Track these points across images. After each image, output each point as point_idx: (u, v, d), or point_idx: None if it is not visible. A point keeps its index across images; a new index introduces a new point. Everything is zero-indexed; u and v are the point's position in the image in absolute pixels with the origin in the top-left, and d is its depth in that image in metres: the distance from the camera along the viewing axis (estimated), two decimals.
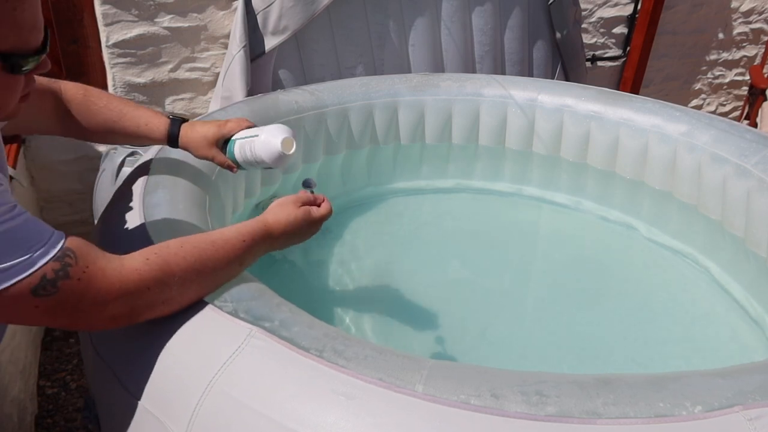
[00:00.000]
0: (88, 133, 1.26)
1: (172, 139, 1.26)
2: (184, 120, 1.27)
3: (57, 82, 1.19)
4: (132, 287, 0.88)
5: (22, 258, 0.78)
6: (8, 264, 0.77)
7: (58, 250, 0.82)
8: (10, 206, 0.78)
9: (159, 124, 1.24)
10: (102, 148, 2.35)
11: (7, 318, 0.83)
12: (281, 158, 1.21)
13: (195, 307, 0.98)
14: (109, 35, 2.17)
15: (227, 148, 1.26)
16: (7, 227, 0.77)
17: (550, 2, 2.55)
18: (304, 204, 1.15)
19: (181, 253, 0.94)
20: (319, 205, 1.17)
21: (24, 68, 0.80)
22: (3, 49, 0.77)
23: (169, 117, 1.25)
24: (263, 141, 1.21)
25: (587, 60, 2.97)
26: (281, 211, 1.12)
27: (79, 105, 1.20)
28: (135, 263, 0.90)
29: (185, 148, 1.28)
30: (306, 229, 1.14)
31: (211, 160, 1.28)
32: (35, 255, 0.79)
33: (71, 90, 1.20)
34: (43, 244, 0.80)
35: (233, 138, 1.26)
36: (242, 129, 1.26)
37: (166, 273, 0.91)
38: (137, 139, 1.26)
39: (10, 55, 0.78)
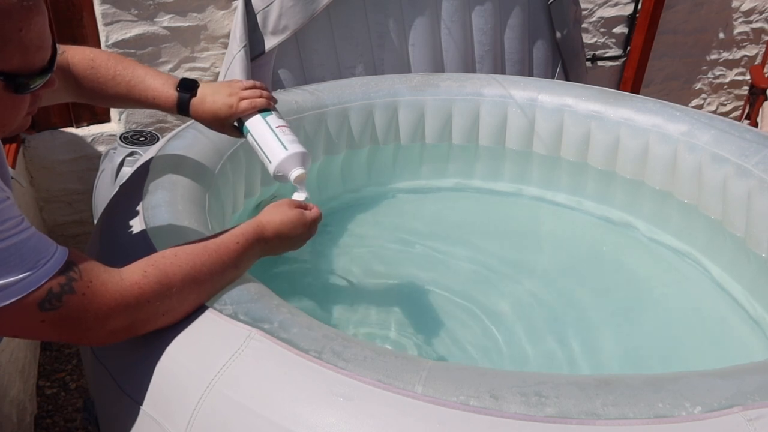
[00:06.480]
0: (97, 102, 1.26)
1: (181, 112, 1.23)
2: (194, 88, 1.22)
3: (63, 52, 1.16)
4: (132, 301, 0.88)
5: (30, 272, 0.78)
6: (17, 278, 0.77)
7: (63, 265, 0.82)
8: (17, 220, 0.79)
9: (167, 98, 1.22)
10: (102, 147, 2.35)
11: (13, 331, 0.84)
12: (287, 182, 1.21)
13: (195, 310, 0.98)
14: (108, 35, 2.17)
15: (242, 130, 1.24)
16: (15, 241, 0.77)
17: (550, 2, 2.55)
18: (298, 207, 1.15)
19: (177, 262, 0.94)
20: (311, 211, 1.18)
21: (30, 88, 0.80)
22: (8, 70, 0.77)
23: (177, 89, 1.22)
24: (276, 167, 1.19)
25: (587, 60, 2.97)
26: (275, 211, 1.12)
27: (87, 79, 1.19)
28: (134, 276, 0.89)
29: (196, 120, 1.26)
30: (300, 230, 1.13)
31: (224, 133, 1.28)
32: (42, 269, 0.80)
33: (79, 63, 1.18)
34: (48, 259, 0.81)
35: (247, 126, 1.22)
36: (256, 109, 1.22)
37: (164, 284, 0.91)
38: (147, 108, 1.26)
39: (16, 75, 0.78)
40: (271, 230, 1.09)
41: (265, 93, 1.25)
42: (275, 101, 1.27)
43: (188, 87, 1.22)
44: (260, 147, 1.21)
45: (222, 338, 0.94)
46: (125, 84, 1.21)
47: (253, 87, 1.24)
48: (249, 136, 1.23)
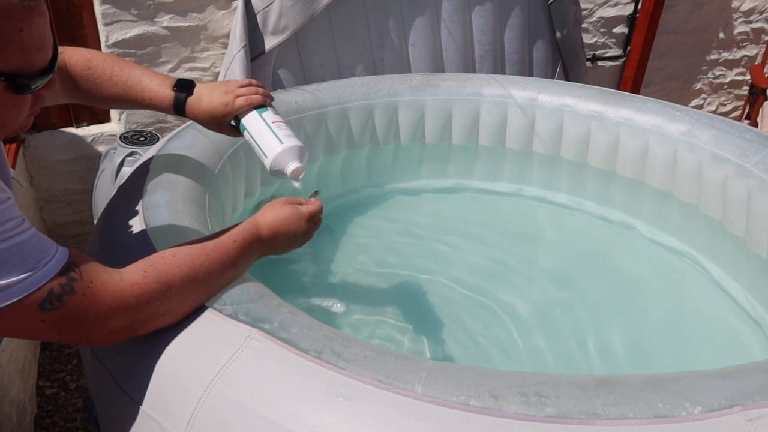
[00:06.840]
0: (94, 103, 1.26)
1: (178, 112, 1.23)
2: (190, 88, 1.23)
3: (61, 53, 1.16)
4: (133, 301, 0.88)
5: (30, 273, 0.78)
6: (18, 278, 0.77)
7: (64, 265, 0.82)
8: (18, 221, 0.79)
9: (164, 98, 1.22)
10: (102, 147, 2.35)
11: (13, 331, 0.84)
12: (284, 177, 1.20)
13: (195, 310, 0.98)
14: (108, 35, 2.17)
15: (239, 127, 1.23)
16: (16, 242, 0.77)
17: (550, 2, 2.55)
18: (293, 203, 1.15)
19: (176, 262, 0.94)
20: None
21: (31, 88, 0.80)
22: (8, 70, 0.77)
23: (173, 89, 1.22)
24: (272, 162, 1.18)
25: (587, 60, 2.97)
26: (270, 209, 1.12)
27: (84, 79, 1.19)
28: (134, 277, 0.90)
29: (193, 120, 1.26)
30: (297, 225, 1.12)
31: (221, 133, 1.28)
32: (42, 270, 0.80)
33: (76, 64, 1.18)
34: (49, 259, 0.81)
35: (244, 123, 1.22)
36: (252, 106, 1.22)
37: (164, 284, 0.91)
38: (144, 108, 1.26)
39: (16, 75, 0.78)
40: (267, 228, 1.09)
41: (261, 90, 1.25)
42: (272, 99, 1.27)
43: (185, 87, 1.23)
44: (256, 143, 1.20)
45: (222, 338, 0.94)
46: (122, 84, 1.21)
47: (249, 85, 1.25)
48: (246, 133, 1.22)
